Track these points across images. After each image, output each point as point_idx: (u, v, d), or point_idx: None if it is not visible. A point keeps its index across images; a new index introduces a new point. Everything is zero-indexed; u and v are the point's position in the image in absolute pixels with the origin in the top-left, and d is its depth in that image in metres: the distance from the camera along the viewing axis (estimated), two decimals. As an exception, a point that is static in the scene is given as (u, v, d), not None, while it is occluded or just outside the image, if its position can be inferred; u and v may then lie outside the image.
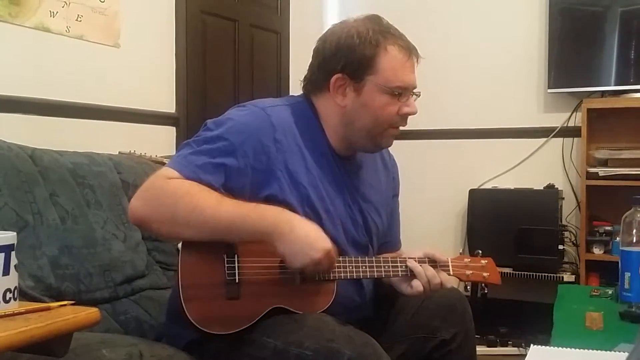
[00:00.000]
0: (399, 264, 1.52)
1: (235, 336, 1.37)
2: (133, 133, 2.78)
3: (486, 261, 1.61)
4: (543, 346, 1.39)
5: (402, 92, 1.51)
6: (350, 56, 1.49)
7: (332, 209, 1.53)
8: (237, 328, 1.37)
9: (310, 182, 1.50)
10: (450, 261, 1.56)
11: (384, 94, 1.50)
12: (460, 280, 1.59)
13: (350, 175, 1.60)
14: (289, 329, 1.33)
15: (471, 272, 1.58)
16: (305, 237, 1.35)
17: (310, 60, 1.59)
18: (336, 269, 1.45)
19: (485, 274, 1.59)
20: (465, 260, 1.59)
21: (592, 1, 3.32)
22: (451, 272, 1.55)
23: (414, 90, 1.54)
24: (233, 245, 1.40)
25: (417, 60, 1.55)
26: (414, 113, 1.55)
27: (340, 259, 1.47)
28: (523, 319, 3.23)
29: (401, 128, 1.58)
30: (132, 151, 2.35)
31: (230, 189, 1.42)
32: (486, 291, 1.69)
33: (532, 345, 1.38)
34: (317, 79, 1.56)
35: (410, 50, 1.53)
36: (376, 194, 1.66)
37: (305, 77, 1.60)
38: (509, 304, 3.46)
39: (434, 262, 1.53)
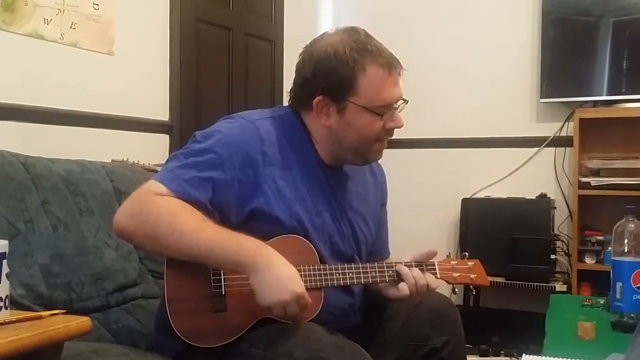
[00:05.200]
0: (385, 270, 1.51)
1: (223, 348, 1.37)
2: (126, 141, 2.77)
3: (473, 263, 1.60)
4: (535, 356, 1.39)
5: (385, 111, 1.50)
6: (329, 79, 1.47)
7: (319, 221, 1.53)
8: (224, 341, 1.37)
9: (297, 195, 1.50)
10: (436, 264, 1.55)
11: (366, 113, 1.48)
12: (448, 282, 1.57)
13: (338, 186, 1.60)
14: (277, 339, 1.32)
15: (458, 274, 1.57)
16: (278, 277, 1.31)
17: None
18: (323, 277, 1.44)
19: (472, 276, 1.58)
20: (452, 262, 1.58)
21: (585, 11, 3.34)
22: (438, 275, 1.54)
23: (401, 99, 1.52)
24: None
25: (400, 73, 1.51)
26: (399, 127, 1.53)
27: (327, 266, 1.46)
28: (515, 328, 3.23)
29: (394, 136, 1.57)
30: (125, 159, 2.35)
31: (217, 203, 1.41)
32: (474, 292, 1.68)
33: (524, 355, 1.38)
34: (300, 97, 1.55)
35: (390, 66, 1.49)
36: (364, 204, 1.66)
37: (290, 90, 1.58)
38: (501, 313, 3.47)
39: (420, 265, 1.53)
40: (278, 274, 1.31)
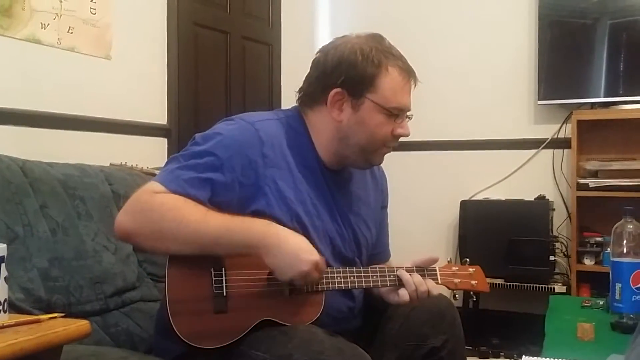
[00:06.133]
0: (387, 274, 1.51)
1: (224, 350, 1.36)
2: (124, 144, 2.77)
3: (474, 269, 1.61)
4: (535, 357, 1.39)
5: (399, 113, 1.53)
6: (351, 72, 1.49)
7: (320, 224, 1.53)
8: (225, 342, 1.36)
9: (298, 197, 1.50)
10: (438, 270, 1.56)
11: (381, 113, 1.51)
12: (449, 288, 1.58)
13: (339, 189, 1.60)
14: (278, 341, 1.33)
15: (459, 280, 1.58)
16: (292, 250, 1.35)
17: (304, 71, 1.59)
18: (324, 280, 1.44)
19: (473, 282, 1.59)
20: (453, 268, 1.59)
21: (582, 13, 3.35)
22: (439, 281, 1.55)
23: (408, 113, 1.56)
24: (220, 258, 1.40)
25: (415, 84, 1.56)
26: (407, 135, 1.56)
27: (329, 269, 1.46)
28: (515, 330, 3.23)
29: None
30: (124, 163, 2.35)
31: (216, 204, 1.41)
32: (475, 299, 1.69)
33: (524, 356, 1.38)
34: (314, 91, 1.55)
35: (409, 73, 1.54)
36: (365, 206, 1.66)
37: (301, 88, 1.59)
38: (501, 315, 3.47)
39: (421, 271, 1.53)
40: (291, 248, 1.35)
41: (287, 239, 1.36)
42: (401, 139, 1.58)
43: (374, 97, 1.50)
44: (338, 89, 1.51)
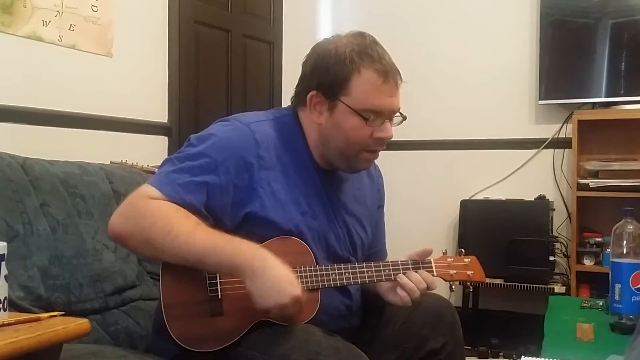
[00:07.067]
0: (382, 269, 1.50)
1: (221, 351, 1.37)
2: (125, 143, 2.77)
3: (469, 259, 1.58)
4: (534, 358, 1.39)
5: (375, 116, 1.48)
6: (324, 75, 1.48)
7: (315, 224, 1.52)
8: (222, 344, 1.37)
9: (293, 198, 1.49)
10: (433, 262, 1.54)
11: (355, 116, 1.47)
12: (445, 280, 1.56)
13: (334, 189, 1.59)
14: (275, 341, 1.32)
15: (455, 271, 1.56)
16: (276, 279, 1.30)
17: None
18: (320, 277, 1.44)
19: (469, 273, 1.57)
20: (449, 259, 1.57)
21: (583, 13, 3.35)
22: (435, 273, 1.53)
23: (398, 112, 1.51)
24: None
25: (398, 84, 1.50)
26: (388, 138, 1.51)
27: (323, 266, 1.46)
28: (514, 330, 3.23)
29: (393, 138, 1.57)
30: (124, 161, 2.35)
31: (212, 207, 1.41)
32: (471, 289, 1.68)
33: (523, 356, 1.38)
34: (300, 93, 1.55)
35: (386, 74, 1.47)
36: (360, 206, 1.65)
37: (294, 88, 1.60)
38: (500, 315, 3.47)
39: (416, 264, 1.52)
40: (275, 277, 1.30)
41: (273, 267, 1.31)
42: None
43: (347, 100, 1.47)
44: (314, 92, 1.50)
